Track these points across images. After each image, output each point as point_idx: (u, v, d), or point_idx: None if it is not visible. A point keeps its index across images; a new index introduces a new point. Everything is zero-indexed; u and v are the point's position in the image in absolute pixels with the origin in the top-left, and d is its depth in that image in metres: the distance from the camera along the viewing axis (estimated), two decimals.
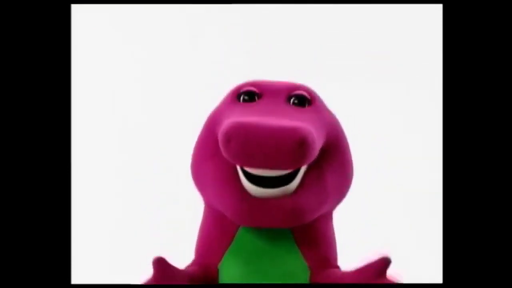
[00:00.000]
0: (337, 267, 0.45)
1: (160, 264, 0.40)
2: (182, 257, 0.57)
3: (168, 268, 0.40)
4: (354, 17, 1.07)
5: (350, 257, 0.61)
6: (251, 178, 0.39)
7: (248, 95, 0.44)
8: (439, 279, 0.54)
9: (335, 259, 0.45)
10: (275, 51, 0.91)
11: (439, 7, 0.62)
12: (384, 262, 0.41)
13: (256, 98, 0.43)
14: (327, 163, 0.42)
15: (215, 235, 0.44)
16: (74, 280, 0.57)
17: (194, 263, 0.45)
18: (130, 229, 0.86)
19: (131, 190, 0.95)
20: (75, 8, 0.64)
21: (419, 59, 1.05)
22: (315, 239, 0.43)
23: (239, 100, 0.44)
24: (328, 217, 0.45)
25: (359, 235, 0.77)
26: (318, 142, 0.40)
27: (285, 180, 0.39)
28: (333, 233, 0.45)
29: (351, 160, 0.45)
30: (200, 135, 0.45)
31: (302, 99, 0.43)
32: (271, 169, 0.39)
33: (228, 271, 0.42)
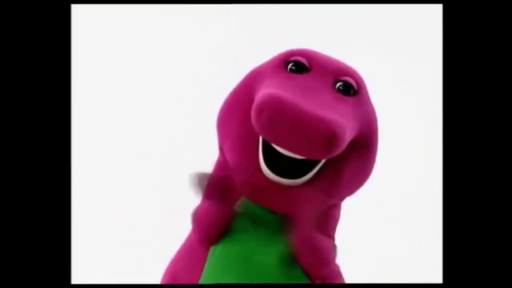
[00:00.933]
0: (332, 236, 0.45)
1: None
2: None
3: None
4: (354, 17, 1.07)
5: (350, 257, 0.61)
6: (270, 156, 0.38)
7: (296, 65, 0.41)
8: (439, 279, 0.54)
9: (332, 232, 0.45)
10: (276, 51, 0.91)
11: (439, 7, 0.62)
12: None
13: (303, 71, 0.41)
14: (350, 157, 0.41)
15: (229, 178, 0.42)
16: (74, 280, 0.57)
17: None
18: (130, 229, 0.86)
19: (130, 190, 0.95)
20: (75, 8, 0.64)
21: (419, 59, 1.05)
22: (324, 219, 0.43)
23: (286, 68, 0.42)
24: (331, 209, 0.44)
25: (359, 235, 0.77)
26: (348, 137, 0.39)
27: (301, 168, 0.39)
28: (335, 222, 0.45)
29: (375, 159, 0.44)
30: (235, 88, 0.43)
31: (348, 88, 0.42)
32: (294, 153, 0.38)
33: (233, 224, 0.42)
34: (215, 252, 0.42)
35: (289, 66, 0.42)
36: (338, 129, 0.37)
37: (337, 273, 0.44)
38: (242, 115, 0.40)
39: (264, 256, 0.40)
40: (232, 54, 0.91)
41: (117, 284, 0.69)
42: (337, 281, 0.43)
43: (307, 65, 0.41)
